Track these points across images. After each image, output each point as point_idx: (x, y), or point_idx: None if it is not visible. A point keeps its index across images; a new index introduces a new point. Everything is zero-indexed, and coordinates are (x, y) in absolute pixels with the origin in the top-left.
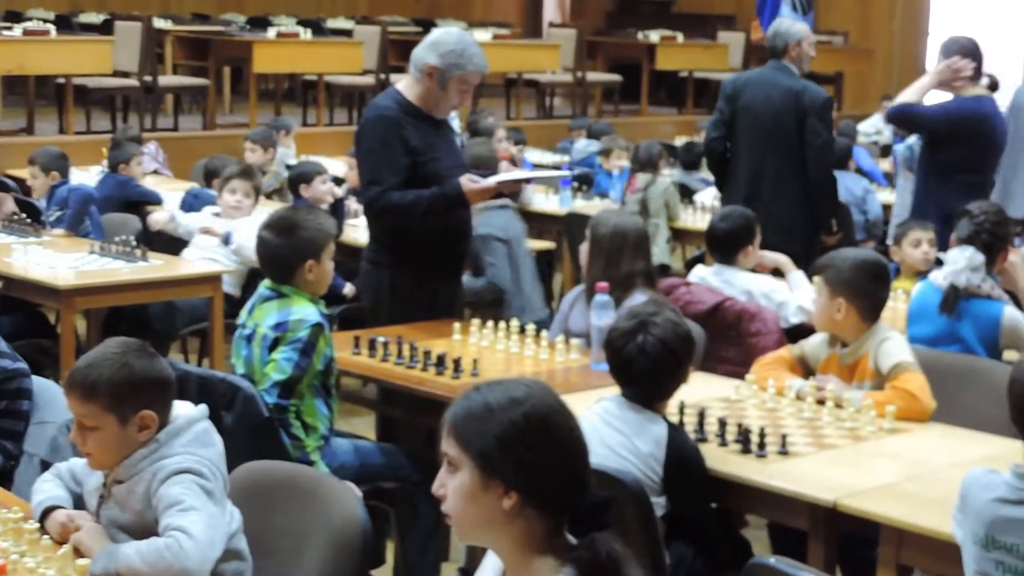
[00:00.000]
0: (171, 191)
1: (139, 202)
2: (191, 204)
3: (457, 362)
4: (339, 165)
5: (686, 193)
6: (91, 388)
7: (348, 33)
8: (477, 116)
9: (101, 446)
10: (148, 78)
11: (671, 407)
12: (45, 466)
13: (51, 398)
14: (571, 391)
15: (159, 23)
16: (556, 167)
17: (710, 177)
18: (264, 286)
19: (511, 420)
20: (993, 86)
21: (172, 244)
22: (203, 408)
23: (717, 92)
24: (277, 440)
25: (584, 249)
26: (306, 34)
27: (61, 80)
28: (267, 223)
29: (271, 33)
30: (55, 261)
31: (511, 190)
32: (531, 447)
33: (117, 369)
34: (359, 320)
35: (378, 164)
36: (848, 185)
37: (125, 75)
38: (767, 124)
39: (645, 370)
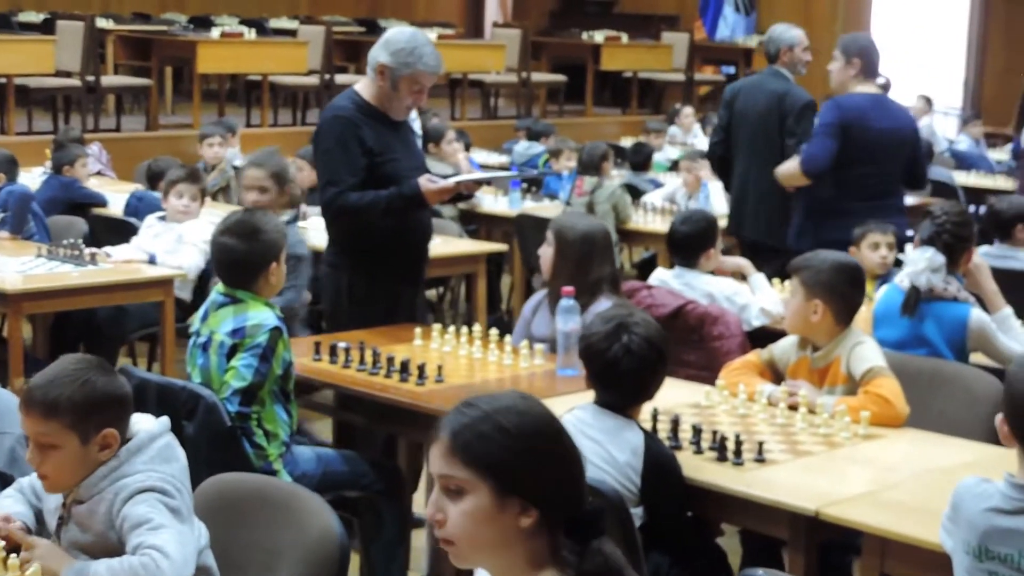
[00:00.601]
0: (115, 193)
1: (84, 204)
2: (135, 207)
3: (422, 368)
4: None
5: (636, 194)
6: (52, 406)
7: (292, 33)
8: (424, 117)
9: (60, 466)
10: (91, 78)
11: (643, 414)
12: (2, 478)
13: (5, 407)
14: (539, 397)
15: (101, 22)
16: (503, 167)
17: (659, 178)
18: (217, 291)
19: (523, 434)
20: (885, 87)
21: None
22: (164, 421)
23: (661, 93)
24: (240, 450)
25: (547, 253)
26: (250, 34)
27: (1, 80)
28: (226, 228)
29: (215, 33)
30: (0, 265)
31: (469, 190)
32: (545, 460)
33: (79, 386)
34: (316, 324)
35: (335, 165)
36: None
37: (67, 75)
38: (754, 127)
39: (632, 370)
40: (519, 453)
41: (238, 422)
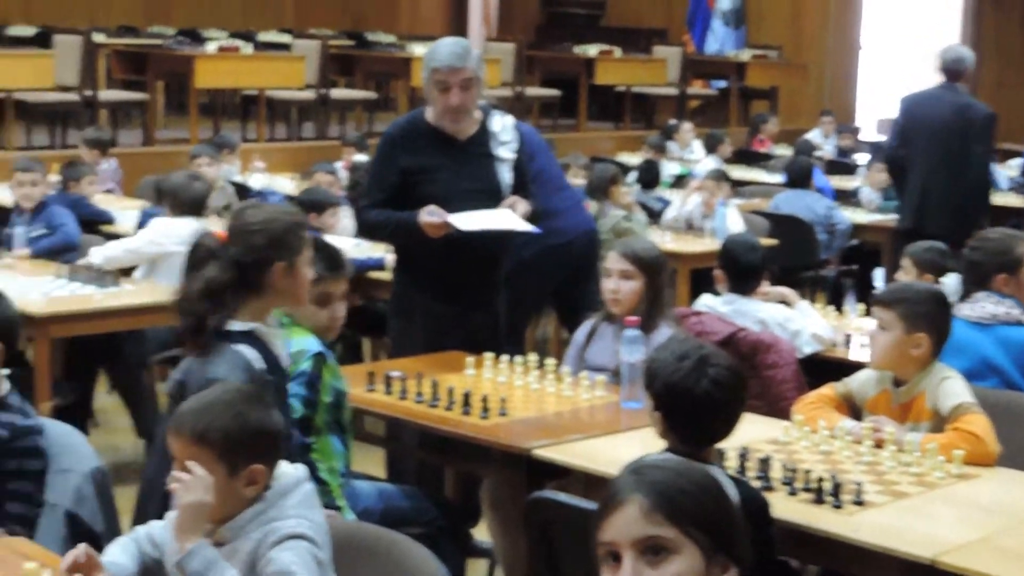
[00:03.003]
0: (123, 210)
1: (91, 221)
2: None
3: (484, 401)
4: (285, 183)
5: (648, 213)
6: (202, 434)
7: (283, 47)
8: None
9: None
10: (88, 92)
11: (731, 454)
12: (71, 518)
13: (71, 444)
14: (603, 432)
15: (95, 36)
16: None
17: (668, 196)
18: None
19: (713, 489)
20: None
21: None
22: (304, 470)
23: (655, 107)
24: None
25: (628, 286)
26: (246, 48)
27: (1, 95)
28: None
29: (211, 47)
30: (24, 286)
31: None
32: (735, 515)
33: (232, 418)
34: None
35: (370, 179)
36: (809, 203)
37: (64, 89)
38: (937, 135)
39: (725, 403)
40: (721, 510)
41: (300, 457)
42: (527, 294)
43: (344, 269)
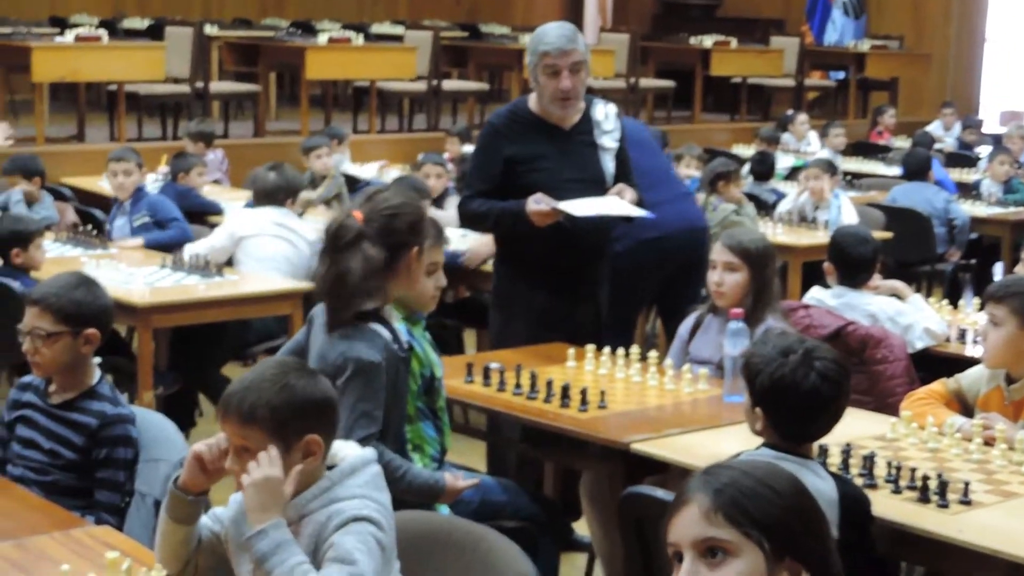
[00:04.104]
0: (230, 201)
1: (199, 212)
2: None
3: (583, 393)
4: (395, 175)
5: (759, 205)
6: (250, 413)
7: (396, 38)
8: None
9: None
10: (199, 84)
11: (834, 450)
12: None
13: (161, 434)
14: (704, 426)
15: (207, 29)
16: None
17: (781, 188)
18: None
19: (788, 491)
20: None
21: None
22: (372, 451)
23: (771, 99)
24: None
25: (734, 279)
26: (357, 39)
27: (111, 87)
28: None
29: (322, 39)
30: (128, 276)
31: (570, 221)
32: (811, 519)
33: (277, 391)
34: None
35: (472, 170)
36: (928, 197)
37: (175, 81)
38: None
39: (832, 398)
40: (790, 511)
41: (398, 451)
42: (624, 289)
43: (446, 238)
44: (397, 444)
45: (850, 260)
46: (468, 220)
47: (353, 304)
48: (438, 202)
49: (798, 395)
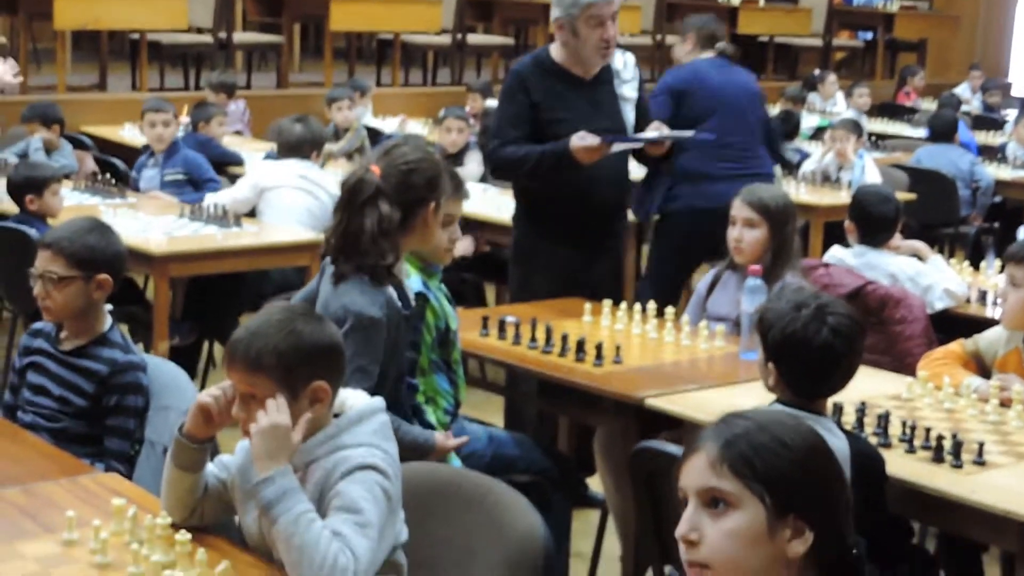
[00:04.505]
0: (251, 152)
1: (220, 162)
2: None
3: (599, 348)
4: (417, 128)
5: (784, 165)
6: (257, 359)
7: None
8: None
9: None
10: (223, 35)
11: (849, 408)
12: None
13: (171, 380)
14: (719, 383)
15: None
16: None
17: (806, 147)
18: None
19: (802, 447)
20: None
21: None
22: (380, 400)
23: (799, 58)
24: None
25: (753, 236)
26: None
27: (134, 36)
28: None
29: None
30: (146, 225)
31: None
32: (824, 479)
33: (284, 337)
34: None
35: (500, 118)
36: (953, 159)
37: (199, 31)
38: None
39: (845, 354)
40: (799, 468)
41: (407, 399)
42: (671, 249)
43: (465, 191)
44: (391, 400)
45: (871, 219)
46: (503, 167)
47: (363, 260)
48: (457, 158)
49: (810, 350)
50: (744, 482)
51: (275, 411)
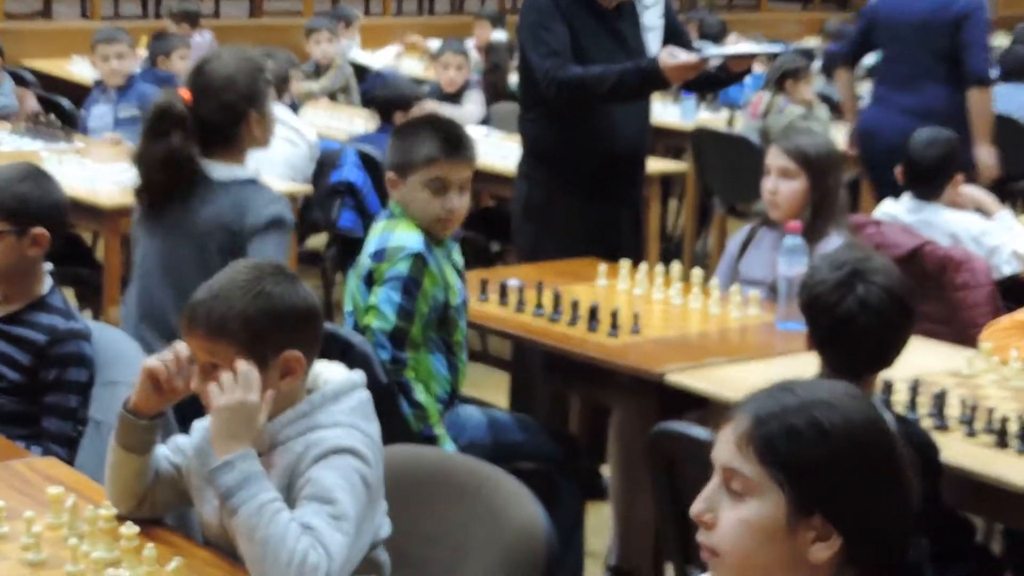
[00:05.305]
0: None
1: None
2: None
3: (614, 316)
4: (412, 64)
5: (834, 108)
6: (219, 325)
7: None
8: None
9: None
10: None
11: (899, 386)
12: None
13: (121, 352)
14: (752, 356)
15: None
16: None
17: (859, 89)
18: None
19: (845, 437)
20: None
21: None
22: (360, 374)
23: None
24: (395, 409)
25: (790, 188)
26: None
27: None
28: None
29: None
30: (95, 174)
31: (728, 70)
32: (867, 477)
33: (252, 299)
34: None
35: (544, 40)
36: None
37: None
38: None
39: (870, 330)
40: (835, 460)
41: (393, 376)
42: None
43: (465, 152)
44: None
45: (917, 165)
46: (572, 87)
47: (165, 187)
48: (456, 98)
49: (831, 319)
50: (767, 468)
51: (244, 384)
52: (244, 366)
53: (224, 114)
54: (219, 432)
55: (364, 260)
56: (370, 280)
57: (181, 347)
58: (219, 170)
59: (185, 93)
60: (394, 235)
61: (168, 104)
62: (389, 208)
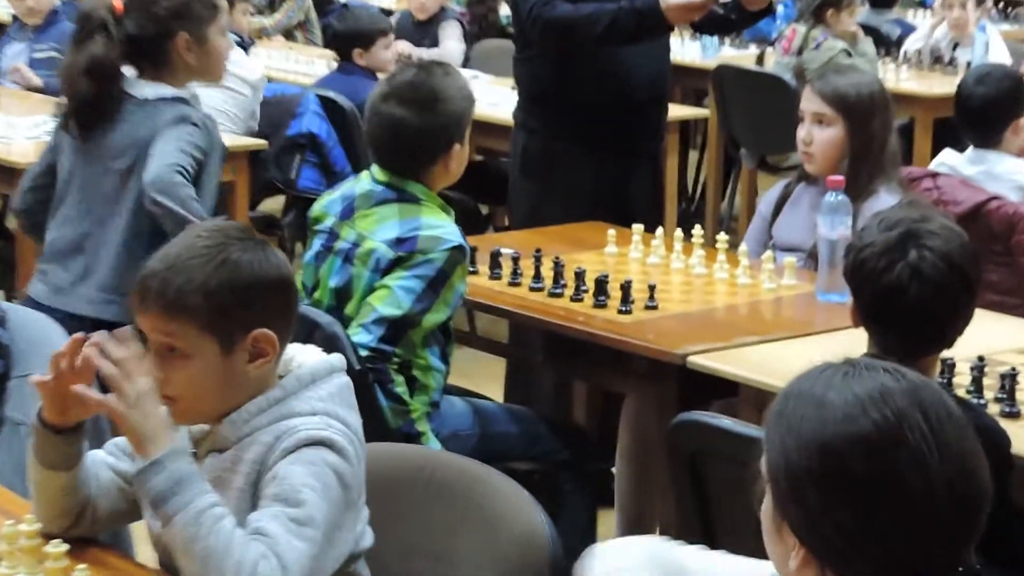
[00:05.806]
0: None
1: None
2: None
3: (625, 289)
4: None
5: (878, 40)
6: (176, 300)
7: None
8: None
9: (193, 385)
10: None
11: (961, 367)
12: None
13: (44, 339)
14: (789, 334)
15: None
16: None
17: (906, 18)
18: (374, 179)
19: (836, 445)
20: None
21: None
22: (339, 357)
23: None
24: (372, 402)
25: (826, 136)
26: None
27: None
28: (392, 91)
29: None
30: (7, 128)
31: (742, 8)
32: (845, 485)
33: (214, 268)
34: None
35: None
36: None
37: None
38: None
39: (922, 301)
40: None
41: (371, 363)
42: None
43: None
44: None
45: (970, 107)
46: (559, 28)
47: (92, 101)
48: (428, 26)
49: (877, 289)
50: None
51: (129, 369)
52: (116, 349)
53: (151, 28)
54: (133, 434)
55: (376, 247)
56: (390, 269)
57: (78, 337)
58: (146, 88)
59: (117, 3)
60: (424, 220)
61: (92, 9)
62: (387, 185)
